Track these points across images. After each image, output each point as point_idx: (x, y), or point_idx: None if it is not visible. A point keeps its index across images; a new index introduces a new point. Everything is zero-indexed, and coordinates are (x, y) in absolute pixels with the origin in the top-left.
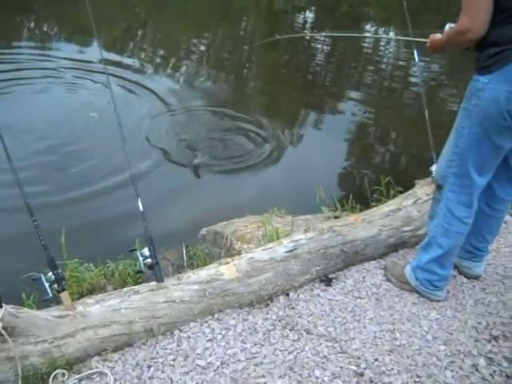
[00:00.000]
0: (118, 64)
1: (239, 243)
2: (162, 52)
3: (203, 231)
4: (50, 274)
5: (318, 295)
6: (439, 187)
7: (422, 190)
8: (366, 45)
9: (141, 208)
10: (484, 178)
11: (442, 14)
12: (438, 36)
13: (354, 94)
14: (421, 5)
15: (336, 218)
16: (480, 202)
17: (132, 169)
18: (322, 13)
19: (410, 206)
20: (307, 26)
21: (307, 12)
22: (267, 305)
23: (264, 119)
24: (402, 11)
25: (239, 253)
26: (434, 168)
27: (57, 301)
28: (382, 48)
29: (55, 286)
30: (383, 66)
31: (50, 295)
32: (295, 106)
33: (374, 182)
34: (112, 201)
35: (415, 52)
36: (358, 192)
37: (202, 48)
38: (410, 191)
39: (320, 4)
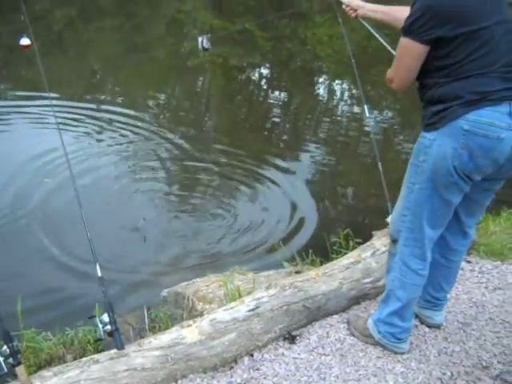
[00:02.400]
0: (74, 125)
1: (201, 304)
2: (119, 110)
3: (164, 292)
4: (5, 347)
5: (283, 354)
6: (394, 241)
7: (380, 241)
8: (320, 98)
9: (99, 273)
10: (436, 232)
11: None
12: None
13: (312, 146)
14: (372, 58)
15: (297, 272)
16: (435, 253)
17: (89, 233)
18: (276, 68)
19: (368, 258)
20: (263, 81)
21: (262, 68)
22: (231, 367)
23: (222, 172)
24: (349, 65)
25: (201, 314)
26: (389, 219)
27: (13, 375)
28: (336, 100)
29: (10, 359)
30: (339, 118)
31: (5, 370)
32: (253, 159)
33: (334, 234)
34: (70, 266)
35: (365, 107)
36: (317, 244)
37: (160, 104)
38: (368, 243)
39: (274, 60)
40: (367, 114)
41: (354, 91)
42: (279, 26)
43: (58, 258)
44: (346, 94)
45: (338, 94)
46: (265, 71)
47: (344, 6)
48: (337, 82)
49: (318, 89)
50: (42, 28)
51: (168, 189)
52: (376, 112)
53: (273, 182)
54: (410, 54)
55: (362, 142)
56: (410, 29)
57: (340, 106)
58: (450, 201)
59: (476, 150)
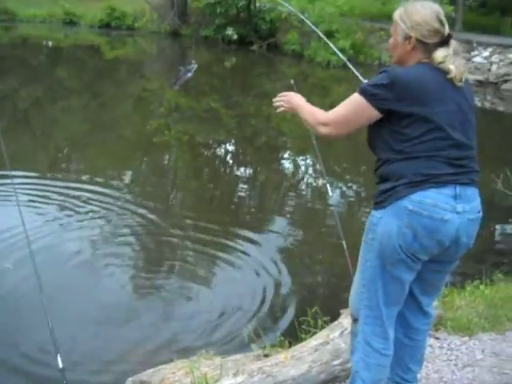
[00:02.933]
0: (39, 201)
1: None
2: (86, 187)
3: (129, 381)
4: None
5: None
6: (355, 320)
7: (348, 319)
8: (285, 173)
9: (60, 364)
10: (393, 310)
11: (352, 141)
12: (302, 99)
13: (278, 222)
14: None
15: (266, 356)
16: (398, 333)
17: (50, 321)
18: (242, 144)
19: (337, 338)
20: (228, 157)
21: (227, 144)
22: None
23: (188, 248)
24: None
25: None
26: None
27: None
28: (300, 174)
29: None
30: (303, 193)
31: None
32: (219, 235)
33: (302, 312)
34: (28, 355)
35: (328, 186)
36: (286, 324)
37: (127, 180)
38: (336, 322)
39: (239, 136)
40: (330, 193)
41: (317, 166)
42: (244, 103)
43: (16, 347)
44: (310, 168)
45: (303, 168)
46: (230, 147)
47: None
48: (301, 157)
49: (283, 164)
50: (8, 107)
51: (134, 266)
52: (340, 185)
53: (240, 258)
54: (359, 111)
55: (327, 217)
56: (368, 91)
57: (304, 181)
58: (401, 278)
59: (420, 230)
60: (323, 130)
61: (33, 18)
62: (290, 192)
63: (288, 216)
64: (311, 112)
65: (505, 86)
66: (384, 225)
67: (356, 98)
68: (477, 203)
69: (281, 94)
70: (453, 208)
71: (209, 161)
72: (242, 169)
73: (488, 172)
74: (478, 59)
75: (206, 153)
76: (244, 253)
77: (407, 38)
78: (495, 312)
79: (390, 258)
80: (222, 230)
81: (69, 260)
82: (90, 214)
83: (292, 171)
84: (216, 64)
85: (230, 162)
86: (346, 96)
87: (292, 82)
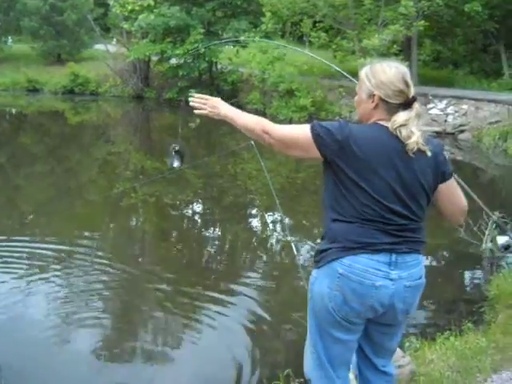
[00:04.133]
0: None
1: None
2: (51, 249)
3: None
4: None
5: None
6: (308, 381)
7: None
8: (254, 230)
9: None
10: (342, 370)
11: (318, 195)
12: (231, 108)
13: (247, 280)
14: (300, 189)
15: None
16: None
17: None
18: (208, 204)
19: None
20: (196, 217)
21: (195, 204)
22: None
23: (156, 309)
24: (280, 197)
25: None
26: None
27: None
28: (269, 231)
29: None
30: (272, 249)
31: None
32: (188, 298)
33: (273, 377)
34: None
35: (292, 245)
36: None
37: (94, 243)
38: None
39: (206, 196)
40: (295, 252)
41: (286, 222)
42: (209, 163)
43: None
44: (278, 226)
45: (271, 226)
46: (198, 207)
47: (198, 101)
48: (268, 213)
49: (251, 222)
50: None
51: (103, 331)
52: (308, 241)
53: (208, 322)
54: (301, 142)
55: (295, 275)
56: (316, 130)
57: (273, 238)
58: (341, 339)
59: (349, 294)
60: (267, 139)
61: None
62: (259, 251)
63: (258, 277)
64: (255, 119)
65: (461, 136)
66: (318, 285)
67: (305, 130)
68: (417, 270)
69: (202, 96)
70: (385, 274)
71: (177, 221)
72: (211, 228)
73: (450, 222)
74: (434, 111)
75: (173, 213)
76: (213, 316)
77: (371, 95)
78: (466, 364)
79: (325, 318)
80: (191, 292)
81: (31, 335)
82: (56, 281)
83: (260, 229)
84: (180, 125)
85: (199, 221)
86: None
87: (252, 143)
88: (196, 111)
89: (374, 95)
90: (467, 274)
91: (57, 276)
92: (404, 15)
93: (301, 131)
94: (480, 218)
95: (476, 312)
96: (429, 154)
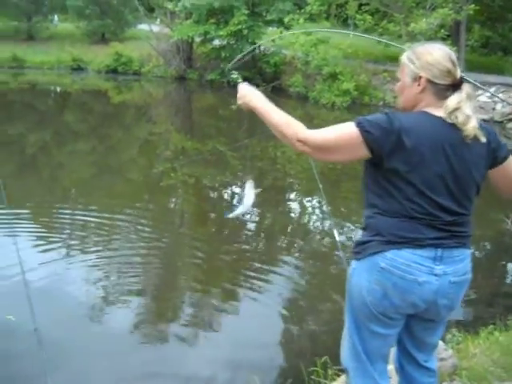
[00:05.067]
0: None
1: None
2: (91, 226)
3: None
4: None
5: None
6: (346, 371)
7: None
8: (292, 215)
9: None
10: (379, 364)
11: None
12: (263, 99)
13: (285, 265)
14: (340, 175)
15: None
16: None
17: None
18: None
19: None
20: (234, 200)
21: (234, 187)
22: None
23: (193, 295)
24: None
25: None
26: None
27: None
28: (307, 216)
29: None
30: (311, 235)
31: None
32: (225, 282)
33: (311, 363)
34: None
35: (335, 232)
36: (294, 376)
37: (133, 221)
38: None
39: (245, 179)
40: (337, 238)
41: (324, 208)
42: (249, 145)
43: None
44: (317, 210)
45: (310, 210)
46: (236, 190)
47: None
48: (307, 198)
49: (290, 206)
50: (15, 151)
51: (140, 313)
52: (347, 227)
53: (246, 305)
54: (349, 143)
55: (334, 260)
56: (365, 126)
57: (312, 223)
58: (379, 333)
59: (390, 288)
60: (300, 147)
61: (41, 64)
62: (297, 235)
63: (296, 261)
64: (287, 122)
65: (510, 125)
66: (357, 277)
67: (350, 128)
68: (464, 265)
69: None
70: (429, 270)
71: (215, 203)
72: (250, 211)
73: (497, 212)
74: (482, 98)
75: (212, 195)
76: (250, 298)
77: (417, 78)
78: (511, 360)
79: (362, 312)
80: (228, 273)
81: (71, 306)
82: (96, 254)
83: (299, 213)
84: (222, 107)
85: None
86: None
87: None
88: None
89: (420, 77)
90: None
91: (97, 247)
92: None
93: (344, 131)
94: None
95: None
96: (483, 140)
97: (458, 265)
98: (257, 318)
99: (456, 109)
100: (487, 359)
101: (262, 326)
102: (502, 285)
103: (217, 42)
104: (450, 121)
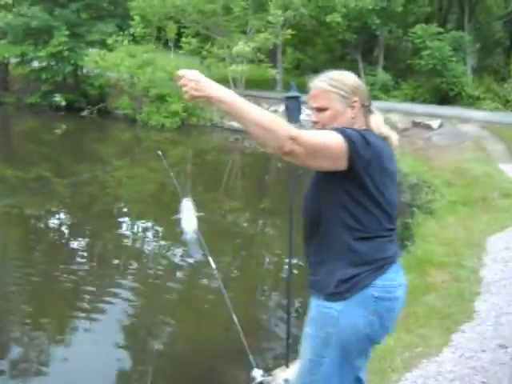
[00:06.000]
0: None
1: None
2: None
3: None
4: None
5: None
6: None
7: None
8: (126, 238)
9: None
10: None
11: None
12: (227, 91)
13: (123, 293)
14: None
15: None
16: None
17: None
18: (77, 213)
19: None
20: (63, 227)
21: (62, 214)
22: None
23: None
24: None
25: None
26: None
27: None
28: (147, 239)
29: None
30: (146, 258)
31: None
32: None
33: None
34: None
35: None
36: None
37: None
38: None
39: (74, 205)
40: (213, 266)
41: (158, 228)
42: (77, 171)
43: None
44: (150, 232)
45: (149, 233)
46: (65, 217)
47: (185, 81)
48: (141, 221)
49: (122, 229)
50: None
51: None
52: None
53: (79, 332)
54: (334, 149)
55: (169, 285)
56: (351, 136)
57: (145, 245)
58: (359, 366)
59: (385, 314)
60: (289, 146)
61: None
62: (132, 258)
63: (132, 283)
64: (275, 118)
65: None
66: (347, 317)
67: (337, 136)
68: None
69: (184, 72)
70: (399, 283)
71: (42, 233)
72: (79, 238)
73: None
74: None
75: (38, 225)
76: (84, 329)
77: (350, 103)
78: (379, 365)
79: (355, 349)
80: (56, 308)
81: None
82: None
83: (133, 236)
84: (45, 132)
85: (66, 232)
86: (185, 158)
87: (159, 153)
88: (185, 96)
89: (355, 102)
90: None
91: None
92: (272, 24)
93: (332, 138)
94: None
95: None
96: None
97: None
98: (93, 346)
99: (381, 124)
100: None
101: (94, 362)
102: None
103: (36, 64)
104: (381, 136)
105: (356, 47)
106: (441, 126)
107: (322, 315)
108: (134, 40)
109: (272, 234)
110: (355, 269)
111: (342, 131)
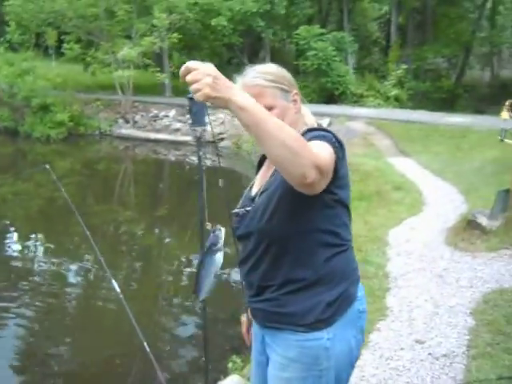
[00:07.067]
0: None
1: None
2: None
3: None
4: None
5: None
6: None
7: None
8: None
9: None
10: None
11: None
12: (245, 96)
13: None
14: (60, 208)
15: None
16: None
17: None
18: None
19: None
20: None
21: None
22: None
23: None
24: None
25: None
26: None
27: None
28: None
29: None
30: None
31: None
32: None
33: None
34: None
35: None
36: None
37: None
38: None
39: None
40: (118, 289)
41: (49, 245)
42: None
43: None
44: (41, 249)
45: (39, 251)
46: None
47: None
48: (31, 240)
49: (9, 250)
50: None
51: None
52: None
53: None
54: (333, 162)
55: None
56: (335, 141)
57: (40, 264)
58: None
59: (363, 327)
60: (314, 176)
61: None
62: (22, 279)
63: (24, 304)
64: (300, 138)
65: (222, 144)
66: (339, 343)
67: (329, 146)
68: None
69: (196, 64)
70: (361, 295)
71: None
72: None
73: None
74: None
75: None
76: None
77: (292, 97)
78: None
79: (347, 377)
80: None
81: None
82: None
83: (21, 257)
84: None
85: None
86: (73, 170)
87: (47, 166)
88: (195, 95)
89: (295, 94)
90: None
91: None
92: (157, 27)
93: (330, 149)
94: None
95: None
96: None
97: None
98: None
99: (313, 119)
100: None
101: None
102: None
103: None
104: None
105: (242, 50)
106: (330, 124)
107: (309, 351)
108: (11, 47)
109: (169, 242)
110: (339, 287)
111: (329, 138)
